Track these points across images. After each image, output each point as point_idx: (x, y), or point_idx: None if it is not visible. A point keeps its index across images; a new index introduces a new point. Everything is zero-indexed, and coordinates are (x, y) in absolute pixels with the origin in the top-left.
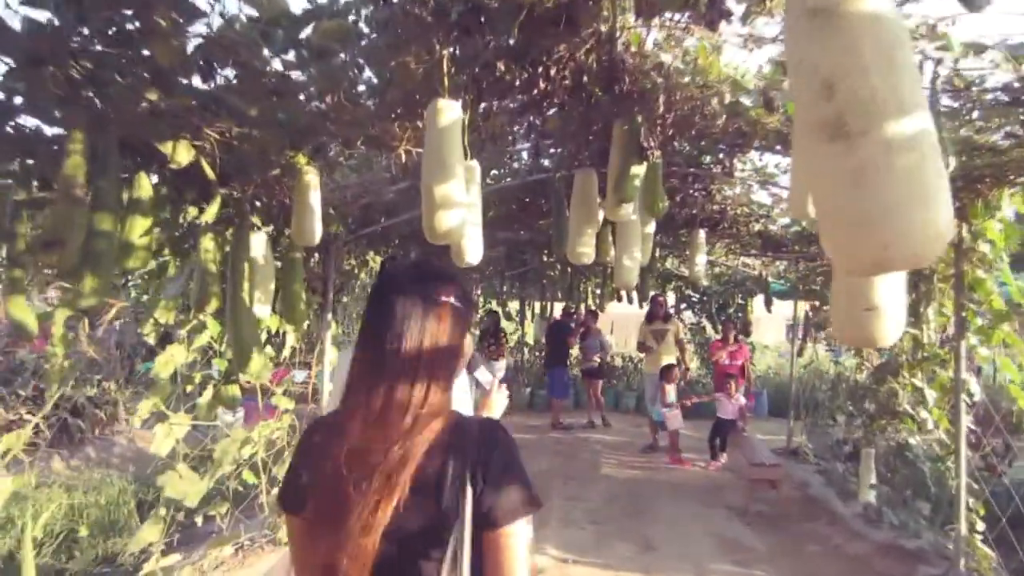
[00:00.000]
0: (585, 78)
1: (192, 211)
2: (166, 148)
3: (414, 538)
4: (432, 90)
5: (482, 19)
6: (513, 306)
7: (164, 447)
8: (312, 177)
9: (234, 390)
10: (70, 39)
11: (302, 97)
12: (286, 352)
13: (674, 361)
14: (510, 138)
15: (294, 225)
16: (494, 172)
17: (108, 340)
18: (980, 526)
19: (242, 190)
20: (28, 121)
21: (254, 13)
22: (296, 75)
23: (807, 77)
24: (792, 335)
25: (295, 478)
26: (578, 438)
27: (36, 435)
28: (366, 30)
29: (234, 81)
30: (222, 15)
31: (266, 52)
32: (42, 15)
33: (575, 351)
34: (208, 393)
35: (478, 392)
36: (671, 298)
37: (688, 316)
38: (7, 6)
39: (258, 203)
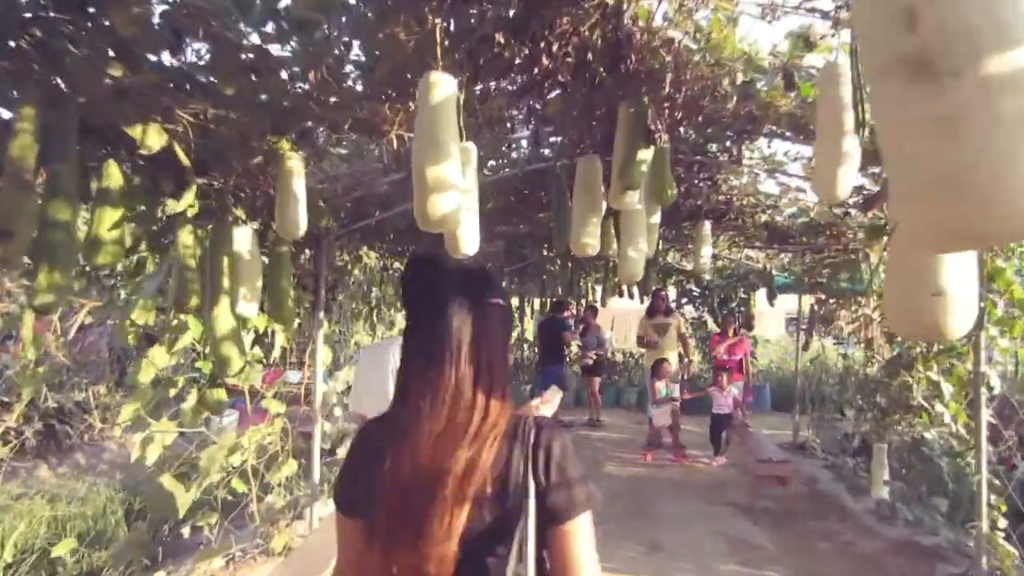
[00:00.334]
0: (589, 55)
1: (172, 203)
2: (134, 132)
3: (481, 537)
4: (424, 66)
5: None
6: (512, 302)
7: (150, 456)
8: (296, 163)
9: (220, 394)
10: (17, 2)
11: (284, 76)
12: (276, 353)
13: (675, 356)
14: (508, 125)
15: (278, 216)
16: (492, 163)
17: (99, 342)
18: (1002, 523)
19: (223, 180)
20: None
21: None
22: (276, 51)
23: (880, 2)
24: (796, 329)
25: (352, 481)
26: (579, 436)
27: (21, 443)
28: None
29: (207, 56)
30: None
31: (242, 25)
32: None
33: (574, 347)
34: (193, 397)
35: None
36: (672, 292)
37: (689, 310)
38: None
39: (242, 194)
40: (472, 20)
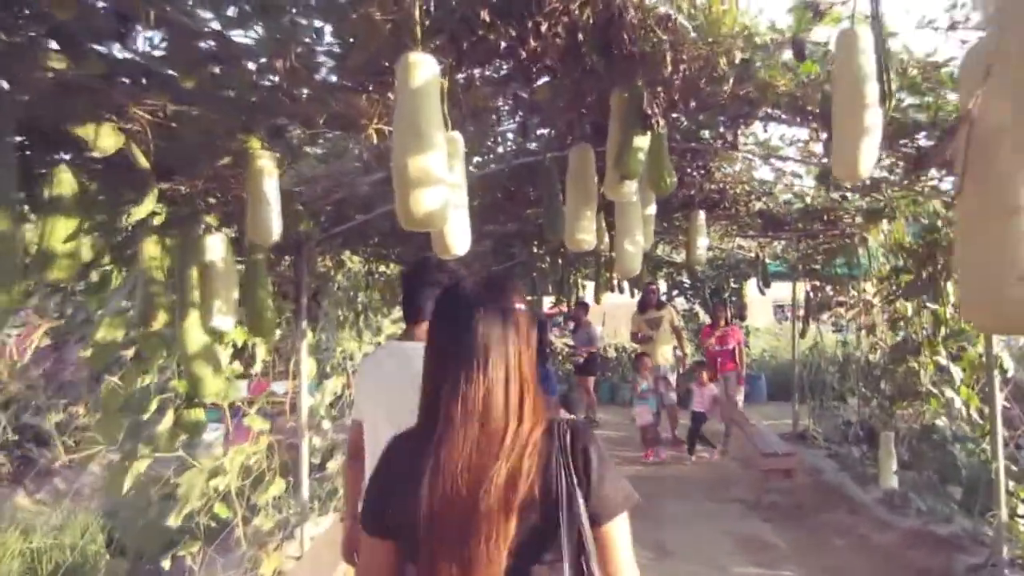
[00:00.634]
0: (580, 36)
1: (134, 211)
2: (85, 132)
3: (527, 546)
4: (403, 51)
5: None
6: None
7: (123, 486)
8: (266, 162)
9: (197, 414)
10: None
11: (252, 67)
12: (257, 367)
13: (670, 349)
14: (494, 117)
15: (248, 220)
16: (477, 159)
17: (74, 359)
18: (1022, 510)
19: (190, 184)
20: None
21: None
22: (240, 38)
23: None
24: (785, 316)
25: (384, 502)
26: None
27: None
28: None
29: (163, 45)
30: None
31: (200, 11)
32: None
33: (560, 344)
34: (168, 419)
35: None
36: (662, 285)
37: (680, 302)
38: None
39: (212, 200)
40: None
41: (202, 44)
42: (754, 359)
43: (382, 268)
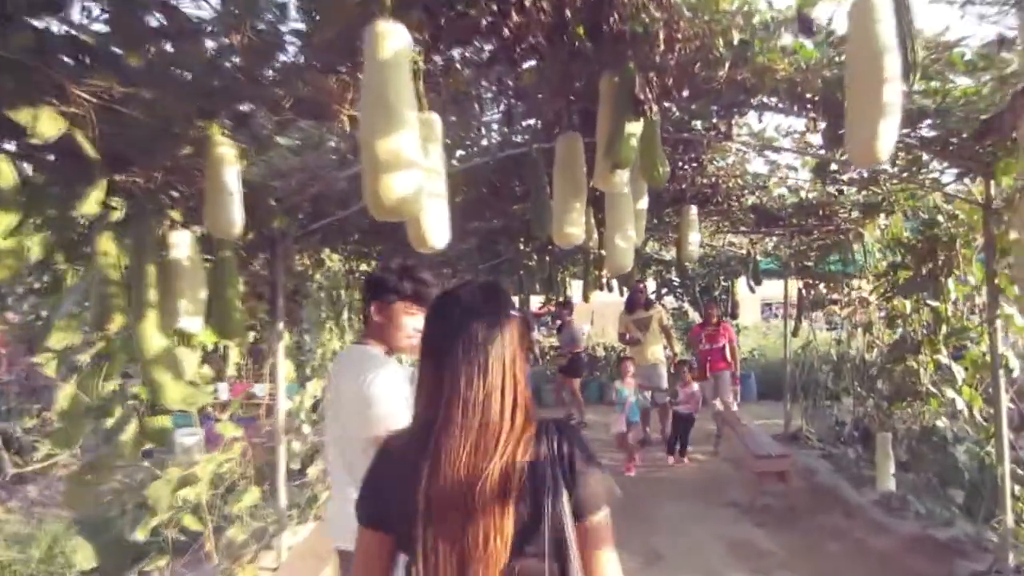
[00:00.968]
0: (567, 13)
1: (81, 205)
2: (22, 116)
3: (516, 538)
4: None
5: None
6: None
7: (83, 498)
8: (226, 150)
9: (163, 421)
10: None
11: (211, 45)
12: (230, 370)
13: (660, 349)
14: (477, 106)
15: (207, 213)
16: (461, 152)
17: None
18: None
19: (149, 176)
20: None
21: None
22: (194, 12)
23: None
24: (773, 315)
25: (377, 495)
26: None
27: None
28: None
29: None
30: None
31: None
32: None
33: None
34: (132, 427)
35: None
36: (651, 284)
37: (669, 301)
38: None
39: (174, 193)
40: None
41: (148, 18)
42: (743, 358)
43: (363, 267)
